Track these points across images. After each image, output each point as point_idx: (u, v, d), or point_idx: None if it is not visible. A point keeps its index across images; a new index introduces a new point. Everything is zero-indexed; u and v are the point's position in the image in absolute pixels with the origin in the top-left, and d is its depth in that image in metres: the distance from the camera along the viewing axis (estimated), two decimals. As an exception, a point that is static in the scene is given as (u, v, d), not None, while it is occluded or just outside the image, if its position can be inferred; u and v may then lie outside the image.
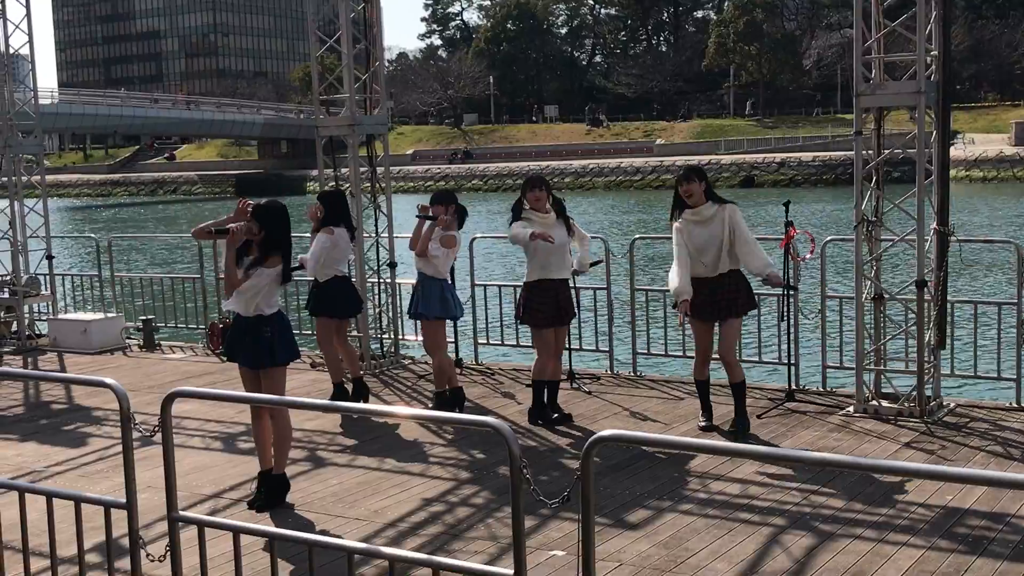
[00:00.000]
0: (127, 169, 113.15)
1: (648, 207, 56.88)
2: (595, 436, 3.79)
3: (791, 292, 9.10)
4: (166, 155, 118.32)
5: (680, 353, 10.90)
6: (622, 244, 12.20)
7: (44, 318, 14.21)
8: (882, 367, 8.97)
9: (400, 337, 11.73)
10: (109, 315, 13.48)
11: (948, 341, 9.09)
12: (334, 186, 11.04)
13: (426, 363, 11.18)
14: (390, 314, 11.65)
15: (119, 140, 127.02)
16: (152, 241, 40.73)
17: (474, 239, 11.94)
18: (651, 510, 6.63)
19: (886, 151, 8.67)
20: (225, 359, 9.83)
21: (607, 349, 10.80)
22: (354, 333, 11.12)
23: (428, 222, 9.15)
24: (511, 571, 3.88)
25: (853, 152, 8.64)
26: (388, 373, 11.06)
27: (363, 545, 5.17)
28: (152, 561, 4.72)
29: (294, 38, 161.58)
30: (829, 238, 10.27)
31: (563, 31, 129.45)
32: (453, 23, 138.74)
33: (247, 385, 7.13)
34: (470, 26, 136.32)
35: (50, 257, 14.04)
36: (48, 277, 14.21)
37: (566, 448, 8.13)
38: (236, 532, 4.57)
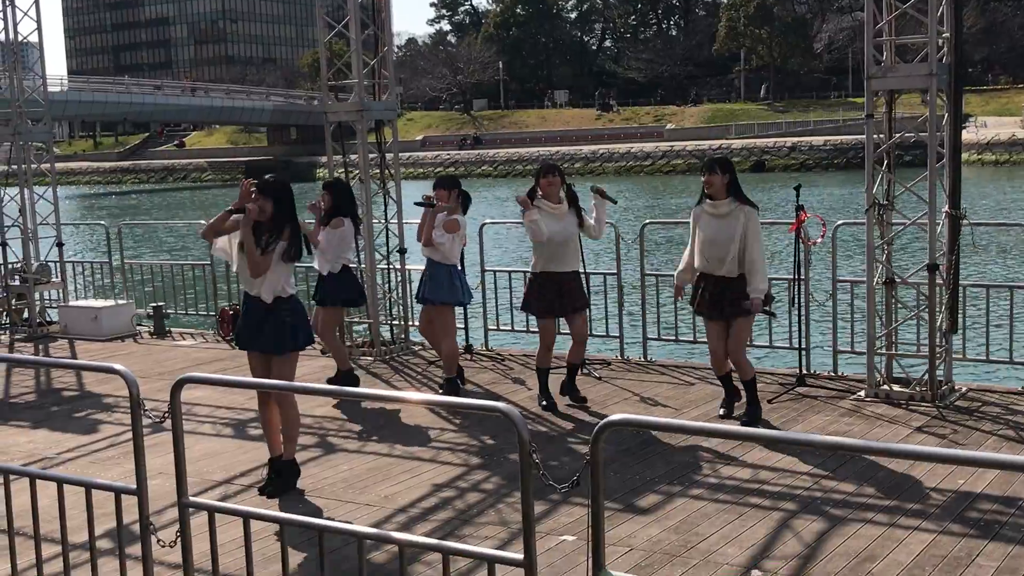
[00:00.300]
0: (137, 156, 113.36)
1: (658, 192, 56.75)
2: (604, 421, 3.77)
3: (800, 281, 9.07)
4: (175, 142, 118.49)
5: (691, 339, 10.89)
6: (632, 229, 12.16)
7: (55, 305, 14.26)
8: (893, 351, 8.94)
9: (410, 323, 11.73)
10: (119, 302, 13.51)
11: (960, 325, 9.06)
12: (340, 175, 11.03)
13: (422, 345, 11.19)
14: (400, 301, 11.66)
15: (128, 127, 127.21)
16: (162, 228, 40.78)
17: (483, 225, 11.93)
18: (661, 495, 6.63)
19: (897, 134, 8.63)
20: (235, 347, 9.80)
21: (617, 334, 10.79)
22: (363, 320, 11.12)
23: (428, 210, 9.16)
24: (521, 556, 3.88)
25: (864, 136, 8.60)
26: (398, 359, 11.07)
27: (373, 530, 5.17)
28: (163, 547, 4.73)
29: (303, 24, 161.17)
30: (840, 222, 10.21)
31: (573, 15, 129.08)
32: (462, 8, 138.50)
33: (256, 371, 7.11)
34: (479, 11, 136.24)
35: (60, 244, 14.07)
36: (58, 264, 14.24)
37: (576, 433, 8.14)
38: (246, 518, 4.57)
